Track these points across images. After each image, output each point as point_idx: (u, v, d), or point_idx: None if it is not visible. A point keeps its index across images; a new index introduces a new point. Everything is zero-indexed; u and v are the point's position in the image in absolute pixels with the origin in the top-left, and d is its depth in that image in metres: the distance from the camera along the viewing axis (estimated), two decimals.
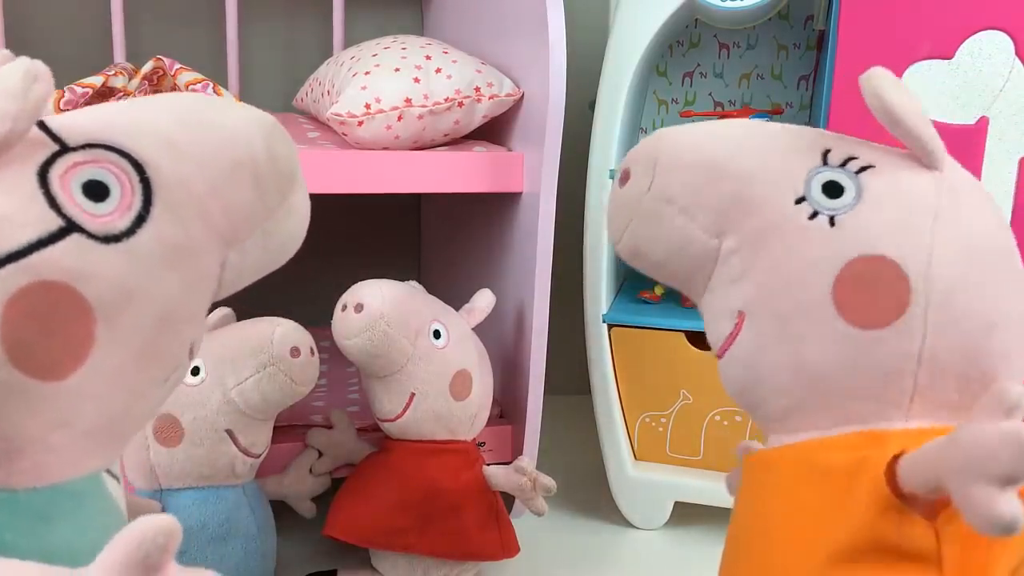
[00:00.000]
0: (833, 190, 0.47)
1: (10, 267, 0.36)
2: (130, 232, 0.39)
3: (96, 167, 0.39)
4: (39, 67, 0.38)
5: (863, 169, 0.47)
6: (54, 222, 0.37)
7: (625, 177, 0.53)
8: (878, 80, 0.46)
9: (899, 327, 0.45)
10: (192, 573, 0.30)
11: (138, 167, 0.40)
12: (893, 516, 0.42)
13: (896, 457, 0.42)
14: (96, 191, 0.39)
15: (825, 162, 0.48)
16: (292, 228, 0.48)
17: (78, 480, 0.40)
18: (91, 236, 0.38)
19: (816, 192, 0.47)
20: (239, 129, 0.44)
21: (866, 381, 0.45)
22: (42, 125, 0.40)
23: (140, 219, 0.40)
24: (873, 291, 0.45)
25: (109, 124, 0.41)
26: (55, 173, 0.38)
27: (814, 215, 0.46)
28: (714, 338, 0.52)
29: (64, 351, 0.37)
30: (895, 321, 0.45)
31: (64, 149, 0.39)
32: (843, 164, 0.48)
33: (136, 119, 0.42)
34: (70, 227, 0.38)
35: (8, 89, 0.37)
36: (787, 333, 0.47)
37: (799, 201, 0.47)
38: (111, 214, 0.39)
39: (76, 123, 0.40)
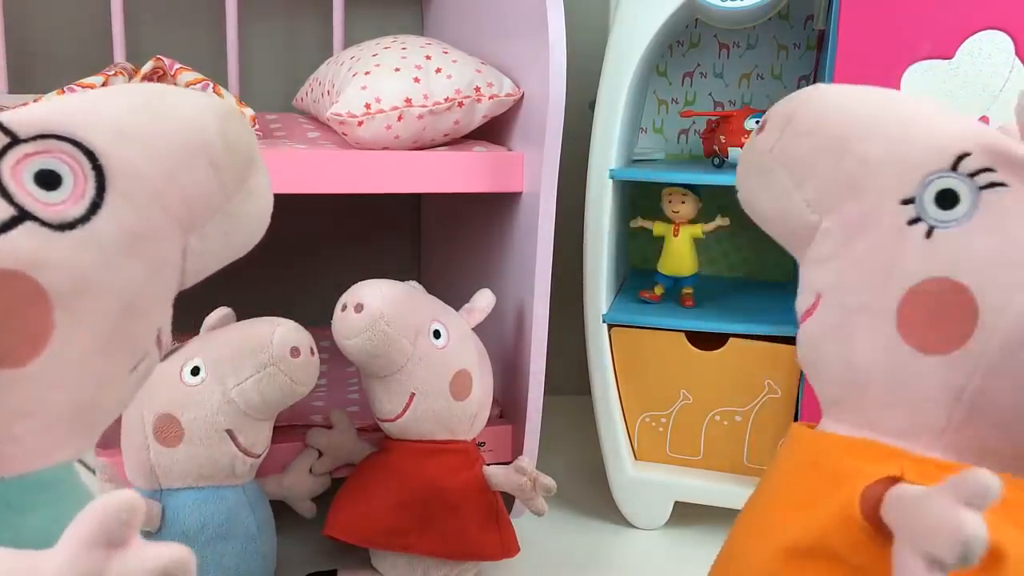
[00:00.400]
0: (947, 200, 0.44)
1: None
2: (85, 219, 0.39)
3: (47, 157, 0.39)
4: None
5: (991, 185, 0.43)
6: (6, 211, 0.37)
7: (762, 126, 0.52)
8: None
9: (951, 359, 0.43)
10: (158, 547, 0.30)
11: (90, 155, 0.40)
12: (852, 532, 0.43)
13: (893, 479, 0.42)
14: (48, 180, 0.39)
15: (955, 167, 0.44)
16: (253, 211, 0.48)
17: (51, 470, 0.40)
18: (45, 224, 0.38)
19: (928, 198, 0.44)
20: (193, 115, 0.44)
21: (902, 400, 0.45)
22: None
23: (94, 206, 0.40)
24: (937, 317, 0.43)
25: (61, 114, 0.41)
26: (6, 164, 0.38)
27: (915, 221, 0.44)
28: (798, 306, 0.52)
29: (21, 338, 0.37)
30: (948, 352, 0.43)
31: (15, 141, 0.39)
32: (974, 174, 0.44)
33: (88, 109, 0.42)
34: (22, 216, 0.38)
35: None
36: (846, 328, 0.47)
37: (906, 202, 0.45)
38: (64, 202, 0.39)
39: (27, 116, 0.41)
